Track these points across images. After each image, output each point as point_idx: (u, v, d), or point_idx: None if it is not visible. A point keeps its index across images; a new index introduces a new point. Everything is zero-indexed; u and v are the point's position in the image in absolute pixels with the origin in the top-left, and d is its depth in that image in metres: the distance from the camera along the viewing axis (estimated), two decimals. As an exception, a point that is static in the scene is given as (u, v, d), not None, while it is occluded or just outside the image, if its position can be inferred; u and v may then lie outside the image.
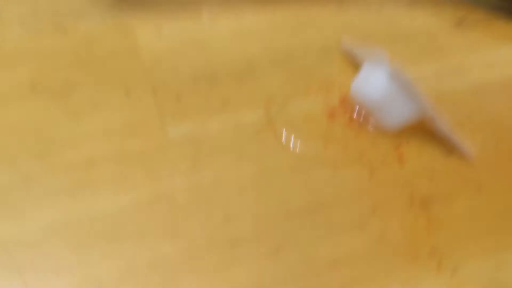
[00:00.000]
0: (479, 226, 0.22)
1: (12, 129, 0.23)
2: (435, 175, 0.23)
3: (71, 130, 0.23)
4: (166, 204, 0.21)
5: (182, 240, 0.20)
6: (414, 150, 0.24)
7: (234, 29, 0.29)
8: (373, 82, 0.22)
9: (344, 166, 0.23)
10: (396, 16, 0.31)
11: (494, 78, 0.28)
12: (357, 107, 0.25)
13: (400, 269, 0.20)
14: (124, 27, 0.28)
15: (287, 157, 0.23)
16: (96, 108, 0.24)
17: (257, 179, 0.22)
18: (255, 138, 0.24)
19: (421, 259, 0.20)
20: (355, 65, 0.27)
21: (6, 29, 0.27)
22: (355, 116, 0.25)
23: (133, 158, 0.22)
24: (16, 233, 0.20)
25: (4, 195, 0.21)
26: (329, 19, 0.30)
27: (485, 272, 0.20)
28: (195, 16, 0.29)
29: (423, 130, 0.24)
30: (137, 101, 0.25)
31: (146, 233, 0.20)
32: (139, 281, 0.19)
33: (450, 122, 0.23)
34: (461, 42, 0.30)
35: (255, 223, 0.21)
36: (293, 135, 0.24)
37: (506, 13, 0.32)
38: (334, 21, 0.30)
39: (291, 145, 0.24)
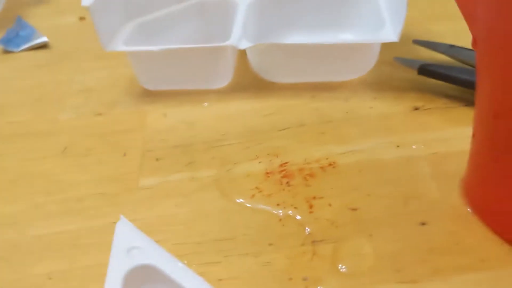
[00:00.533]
0: (357, 263, 0.26)
1: (38, 177, 0.33)
2: (335, 224, 0.28)
3: (78, 178, 0.33)
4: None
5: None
6: (324, 203, 0.29)
7: (220, 113, 0.38)
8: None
9: (262, 211, 0.29)
10: (360, 105, 0.37)
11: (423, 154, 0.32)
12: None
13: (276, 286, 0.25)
14: (141, 112, 0.38)
15: (220, 203, 0.30)
16: (100, 165, 0.34)
17: (192, 217, 0.29)
18: (202, 189, 0.31)
19: (294, 282, 0.25)
20: (302, 141, 0.34)
21: (63, 112, 0.39)
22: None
23: (110, 198, 0.31)
24: (15, 238, 0.29)
25: (16, 215, 0.31)
26: (301, 106, 0.38)
27: (345, 298, 0.24)
28: (197, 104, 0.39)
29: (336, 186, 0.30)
30: (128, 161, 0.34)
31: (90, 245, 0.28)
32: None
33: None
34: (412, 123, 0.35)
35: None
36: (231, 189, 0.31)
37: (463, 103, 0.36)
38: (305, 107, 0.37)
39: (227, 194, 0.31)
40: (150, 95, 0.40)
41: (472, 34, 0.24)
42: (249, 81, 0.40)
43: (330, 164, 0.32)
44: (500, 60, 0.23)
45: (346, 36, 0.43)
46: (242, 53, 0.38)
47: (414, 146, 0.33)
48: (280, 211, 0.29)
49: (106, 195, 0.31)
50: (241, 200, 0.30)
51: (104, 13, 0.37)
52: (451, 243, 0.26)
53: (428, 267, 0.25)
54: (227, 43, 0.37)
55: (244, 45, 0.37)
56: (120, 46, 0.38)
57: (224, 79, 0.40)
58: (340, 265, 0.26)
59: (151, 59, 0.39)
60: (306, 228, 0.28)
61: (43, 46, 0.48)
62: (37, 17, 0.52)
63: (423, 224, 0.27)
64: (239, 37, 0.37)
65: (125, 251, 0.25)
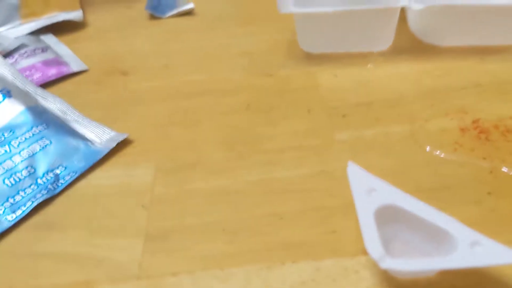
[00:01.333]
0: None
1: (234, 128, 0.35)
2: (549, 175, 0.29)
3: (269, 131, 0.34)
4: (328, 175, 0.30)
5: (338, 198, 0.29)
6: (532, 157, 0.30)
7: (390, 73, 0.38)
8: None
9: (469, 163, 0.30)
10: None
11: None
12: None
13: (507, 231, 0.26)
14: (309, 73, 0.40)
15: (423, 156, 0.31)
16: (286, 120, 0.35)
17: (398, 167, 0.30)
18: (400, 142, 0.32)
19: (526, 227, 0.26)
20: (485, 100, 0.35)
21: (234, 72, 0.40)
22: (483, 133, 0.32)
23: (309, 149, 0.32)
24: (228, 184, 0.31)
25: (226, 163, 0.32)
26: (471, 67, 0.38)
27: None
28: (362, 66, 0.40)
29: (541, 142, 0.30)
30: (315, 117, 0.35)
31: (314, 190, 0.30)
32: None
33: None
34: None
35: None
36: (429, 143, 0.32)
37: None
38: (475, 69, 0.38)
39: (427, 149, 0.32)
40: (313, 58, 0.41)
41: None
42: (409, 44, 0.41)
43: (524, 122, 0.32)
44: None
45: None
46: (402, 17, 0.39)
47: None
48: (488, 164, 0.30)
49: (305, 147, 0.33)
50: (444, 154, 0.31)
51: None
52: None
53: None
54: (400, 3, 0.38)
55: (416, 6, 0.37)
56: (292, 7, 0.39)
57: (386, 42, 0.41)
58: None
59: (318, 21, 0.39)
60: (520, 180, 0.28)
61: (188, 12, 0.49)
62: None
63: None
64: (410, -1, 0.38)
65: (365, 193, 0.26)
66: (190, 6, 0.50)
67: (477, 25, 0.39)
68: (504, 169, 0.29)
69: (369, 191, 0.26)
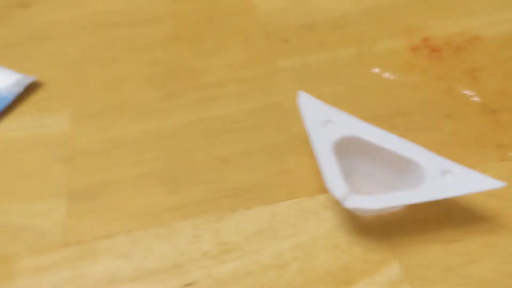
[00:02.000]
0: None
1: (161, 62, 0.30)
2: (504, 92, 0.27)
3: (205, 63, 0.30)
4: (276, 109, 0.27)
5: (288, 133, 0.26)
6: (487, 74, 0.28)
7: (332, -8, 0.35)
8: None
9: (423, 85, 0.28)
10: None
11: None
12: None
13: (470, 156, 0.24)
14: (242, -6, 0.35)
15: (375, 80, 0.28)
16: (222, 48, 0.31)
17: (349, 94, 0.28)
18: (348, 67, 0.29)
19: (488, 149, 0.24)
20: (432, 16, 0.32)
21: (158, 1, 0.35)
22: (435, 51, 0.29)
23: (251, 80, 0.29)
24: (161, 127, 0.27)
25: (156, 104, 0.28)
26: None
27: (549, 160, 0.24)
28: (299, -15, 0.36)
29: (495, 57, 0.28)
30: (253, 43, 0.31)
31: (261, 126, 0.26)
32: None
33: None
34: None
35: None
36: (379, 65, 0.29)
37: None
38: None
39: (378, 72, 0.29)
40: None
41: None
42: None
43: (474, 38, 0.30)
44: None
45: None
46: None
47: (551, 16, 0.31)
48: (444, 85, 0.27)
49: (246, 79, 0.29)
50: (396, 76, 0.28)
51: None
52: None
53: None
54: None
55: None
56: None
57: (323, -43, 0.37)
58: (524, 132, 0.25)
59: None
60: (476, 98, 0.27)
61: None
62: None
63: None
64: None
65: (321, 125, 0.23)
66: None
67: None
68: (461, 89, 0.27)
69: (325, 122, 0.23)
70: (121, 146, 0.26)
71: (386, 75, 0.28)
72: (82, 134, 0.27)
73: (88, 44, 0.32)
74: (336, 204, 0.22)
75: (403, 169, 0.22)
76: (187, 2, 0.34)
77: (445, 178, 0.21)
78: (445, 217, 0.22)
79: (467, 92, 0.27)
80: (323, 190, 0.22)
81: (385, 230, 0.21)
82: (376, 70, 0.29)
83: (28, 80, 0.29)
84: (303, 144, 0.24)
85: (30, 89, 0.29)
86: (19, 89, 0.29)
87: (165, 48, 0.31)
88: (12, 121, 0.28)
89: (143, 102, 0.28)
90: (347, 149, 0.23)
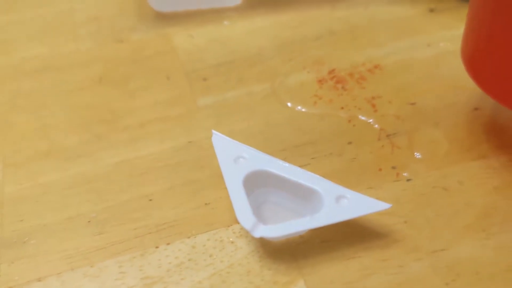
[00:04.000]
0: (433, 149, 0.28)
1: (87, 106, 0.32)
2: (400, 118, 0.30)
3: (129, 105, 0.32)
4: (196, 146, 0.29)
5: (208, 169, 0.28)
6: (384, 101, 0.31)
7: (247, 29, 0.38)
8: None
9: (329, 115, 0.31)
10: (379, 10, 0.39)
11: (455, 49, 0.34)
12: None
13: (368, 178, 0.27)
14: (164, 35, 0.37)
15: (286, 113, 0.31)
16: (146, 90, 0.33)
17: (264, 127, 0.30)
18: (263, 101, 0.32)
19: (384, 171, 0.27)
20: (339, 48, 0.35)
21: (80, 42, 0.37)
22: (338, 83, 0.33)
23: (173, 120, 0.31)
24: (88, 170, 0.28)
25: (82, 147, 0.30)
26: (324, 16, 0.38)
27: (433, 179, 0.27)
28: (218, 23, 0.38)
29: (391, 87, 0.32)
30: (175, 83, 0.33)
31: (182, 163, 0.28)
32: (177, 195, 0.27)
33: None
34: (432, 24, 0.37)
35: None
36: (290, 99, 0.32)
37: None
38: (328, 17, 0.38)
39: (289, 105, 0.32)
40: (166, 18, 0.39)
41: None
42: (263, -3, 0.40)
43: (375, 67, 0.34)
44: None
45: None
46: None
47: (441, 44, 0.35)
48: (346, 114, 0.31)
49: (168, 118, 0.31)
50: (305, 108, 0.31)
51: None
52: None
53: (491, 144, 0.28)
54: (248, -44, 0.37)
55: (265, -43, 0.37)
56: (136, -34, 0.36)
57: (238, -4, 0.40)
58: (416, 153, 0.28)
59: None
60: (375, 125, 0.30)
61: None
62: None
63: (476, 109, 0.30)
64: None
65: (233, 161, 0.25)
66: (20, -32, 0.44)
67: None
68: (361, 117, 0.30)
69: (236, 159, 0.25)
70: (50, 191, 0.27)
71: (297, 107, 0.31)
72: (12, 182, 0.28)
73: (14, 92, 0.33)
74: (249, 233, 0.25)
75: (307, 197, 0.25)
76: (112, 45, 0.36)
77: (340, 203, 0.23)
78: (344, 236, 0.24)
79: (367, 119, 0.30)
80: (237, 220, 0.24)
81: (293, 253, 0.24)
82: (288, 103, 0.32)
83: (-44, 132, 0.30)
84: (221, 178, 0.26)
85: (-41, 140, 0.30)
86: None
87: (91, 92, 0.33)
88: None
89: (70, 146, 0.30)
90: (258, 182, 0.25)
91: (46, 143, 0.30)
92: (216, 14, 0.39)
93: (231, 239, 0.25)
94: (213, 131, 0.27)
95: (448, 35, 0.36)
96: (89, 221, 0.26)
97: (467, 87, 0.31)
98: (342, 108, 0.31)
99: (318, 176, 0.25)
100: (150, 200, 0.27)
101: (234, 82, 0.33)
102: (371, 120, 0.30)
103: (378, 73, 0.33)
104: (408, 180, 0.27)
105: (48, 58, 0.35)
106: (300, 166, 0.27)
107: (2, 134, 0.30)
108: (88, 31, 0.38)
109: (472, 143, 0.29)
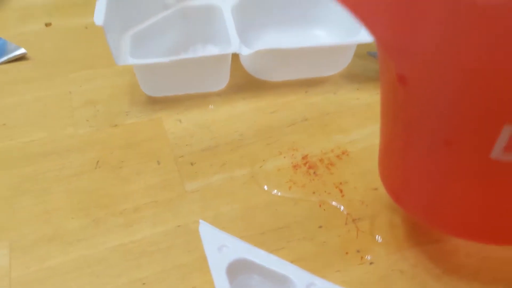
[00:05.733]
0: (392, 233, 0.33)
1: (86, 191, 0.36)
2: (364, 203, 0.35)
3: (124, 189, 0.36)
4: (184, 230, 0.33)
5: (195, 252, 0.32)
6: (351, 186, 0.36)
7: (230, 113, 0.42)
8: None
9: (302, 200, 0.35)
10: (347, 96, 0.43)
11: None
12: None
13: (336, 262, 0.31)
14: (155, 119, 0.41)
15: (264, 197, 0.35)
16: (139, 174, 0.37)
17: (244, 212, 0.34)
18: (243, 186, 0.36)
19: (350, 255, 0.31)
20: (311, 134, 0.40)
21: (78, 126, 0.41)
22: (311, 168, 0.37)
23: (163, 204, 0.35)
24: (88, 254, 0.32)
25: (83, 232, 0.33)
26: (298, 101, 0.43)
27: (393, 261, 0.31)
28: (204, 107, 0.43)
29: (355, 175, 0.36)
30: (165, 168, 0.37)
31: (172, 247, 0.32)
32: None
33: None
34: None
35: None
36: (268, 183, 0.36)
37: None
38: (302, 102, 0.43)
39: (267, 189, 0.36)
40: (157, 102, 0.43)
41: (398, 71, 0.22)
42: (244, 81, 0.45)
43: (343, 153, 0.38)
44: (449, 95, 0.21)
45: (319, 32, 0.49)
46: (235, 56, 0.42)
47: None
48: (317, 198, 0.35)
49: (159, 202, 0.35)
50: (281, 193, 0.35)
51: (110, 30, 0.39)
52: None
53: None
54: (230, 50, 0.41)
55: (245, 51, 0.41)
56: (130, 59, 0.40)
57: (223, 82, 0.44)
58: (377, 236, 0.32)
59: (157, 69, 0.41)
60: (343, 210, 0.34)
61: (21, 58, 0.48)
62: None
63: (430, 194, 0.35)
64: (238, 44, 0.42)
65: (217, 250, 0.29)
66: (21, 51, 0.48)
67: (298, 62, 0.44)
68: (330, 202, 0.35)
69: (220, 247, 0.29)
70: (54, 275, 0.31)
71: (274, 192, 0.35)
72: (20, 267, 0.31)
73: (19, 177, 0.37)
74: (233, 314, 0.28)
75: (282, 283, 0.28)
76: (107, 130, 0.40)
77: (310, 290, 0.27)
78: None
79: (336, 204, 0.34)
80: (222, 303, 0.28)
81: (270, 333, 0.28)
82: (265, 187, 0.36)
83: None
84: (207, 262, 0.30)
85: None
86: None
87: (89, 177, 0.37)
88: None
89: (72, 231, 0.33)
90: (240, 269, 0.29)
91: (50, 227, 0.33)
92: (202, 98, 0.43)
93: (216, 321, 0.28)
94: (200, 220, 0.30)
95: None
96: (89, 304, 0.29)
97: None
98: (314, 193, 0.35)
99: (291, 264, 0.28)
100: (144, 284, 0.30)
101: (218, 167, 0.37)
102: (339, 205, 0.34)
103: (345, 159, 0.38)
104: (370, 263, 0.31)
105: (49, 143, 0.39)
106: (277, 250, 0.31)
107: (8, 219, 0.34)
108: (85, 115, 0.42)
109: (427, 227, 0.33)
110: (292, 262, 0.30)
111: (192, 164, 0.37)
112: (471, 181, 0.26)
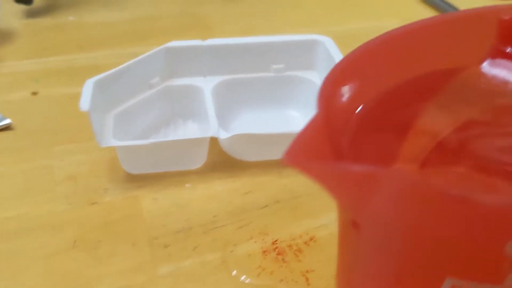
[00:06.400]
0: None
1: (62, 272, 0.37)
2: (329, 292, 0.36)
3: (97, 272, 0.37)
4: (154, 317, 0.34)
5: None
6: (317, 275, 0.37)
7: (206, 193, 0.44)
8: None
9: (269, 285, 0.36)
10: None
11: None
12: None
13: None
14: (132, 198, 0.43)
15: (232, 284, 0.37)
16: (113, 257, 0.38)
17: (213, 299, 0.36)
18: (213, 271, 0.37)
19: None
20: (282, 217, 0.42)
21: (58, 202, 0.42)
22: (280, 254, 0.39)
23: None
24: None
25: (56, 315, 0.34)
26: (272, 182, 0.45)
27: None
28: (181, 186, 0.44)
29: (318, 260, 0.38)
30: (139, 250, 0.39)
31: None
32: None
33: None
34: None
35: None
36: (238, 268, 0.38)
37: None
38: (275, 184, 0.45)
39: (236, 275, 0.37)
40: (135, 180, 0.45)
41: (352, 216, 0.24)
42: (221, 160, 0.47)
43: (311, 239, 0.40)
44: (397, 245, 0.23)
45: (293, 113, 0.52)
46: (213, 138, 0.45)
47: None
48: (284, 286, 0.36)
49: (132, 287, 0.36)
50: (249, 279, 0.37)
51: (94, 112, 0.41)
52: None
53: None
54: (208, 134, 0.44)
55: (223, 135, 0.44)
56: (112, 141, 0.42)
57: (200, 161, 0.46)
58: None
59: (138, 149, 0.43)
60: (308, 299, 0.36)
61: (5, 128, 0.49)
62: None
63: (391, 285, 0.37)
64: (217, 127, 0.44)
65: None
66: (7, 121, 0.50)
67: (273, 145, 0.46)
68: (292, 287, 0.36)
69: None
70: None
71: (242, 278, 0.37)
72: None
73: (-3, 255, 0.38)
74: None
75: None
76: (85, 208, 0.42)
77: None
78: None
79: (301, 292, 0.36)
80: None
81: None
82: (235, 273, 0.37)
83: None
84: None
85: None
86: None
87: (65, 257, 0.38)
88: None
89: (44, 315, 0.34)
90: None
91: (22, 311, 0.34)
92: (179, 176, 0.45)
93: None
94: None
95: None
96: None
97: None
98: (281, 280, 0.37)
99: None
100: None
101: (190, 250, 0.39)
102: (304, 294, 0.36)
103: (313, 245, 0.40)
104: None
105: (28, 220, 0.40)
106: None
107: (-17, 301, 0.35)
108: (64, 191, 0.43)
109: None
110: None
111: (165, 246, 0.39)
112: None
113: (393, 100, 0.31)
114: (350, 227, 0.25)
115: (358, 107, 0.29)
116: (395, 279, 0.26)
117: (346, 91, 0.28)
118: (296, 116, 0.52)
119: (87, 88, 0.42)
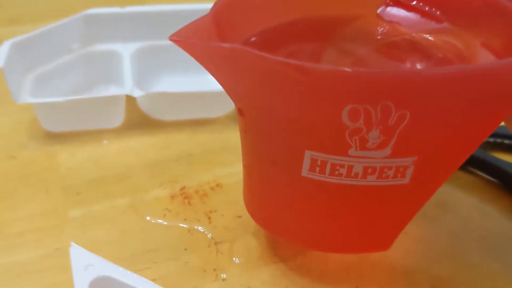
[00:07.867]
0: (248, 255, 0.38)
1: (-25, 217, 0.39)
2: (228, 228, 0.40)
3: (10, 216, 0.39)
4: (61, 253, 0.37)
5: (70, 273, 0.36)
6: (218, 214, 0.41)
7: (122, 148, 0.47)
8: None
9: (174, 227, 0.39)
10: (231, 136, 0.49)
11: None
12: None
13: (194, 279, 0.36)
14: (50, 153, 0.45)
15: (140, 224, 0.40)
16: (26, 203, 0.40)
17: (120, 237, 0.38)
18: (123, 214, 0.40)
19: (207, 273, 0.36)
20: (193, 169, 0.45)
21: (-24, 159, 0.44)
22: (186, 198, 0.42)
23: (47, 230, 0.38)
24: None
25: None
26: (186, 140, 0.48)
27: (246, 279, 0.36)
28: (98, 143, 0.47)
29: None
30: (52, 197, 0.41)
31: (50, 268, 0.36)
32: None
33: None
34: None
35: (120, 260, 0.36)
36: (146, 212, 0.41)
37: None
38: (190, 141, 0.48)
39: (145, 217, 0.40)
40: (55, 137, 0.47)
41: (237, 104, 0.29)
42: (139, 120, 0.50)
43: (217, 185, 0.43)
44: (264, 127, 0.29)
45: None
46: (133, 98, 0.47)
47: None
48: (188, 225, 0.40)
49: (43, 228, 0.38)
50: (156, 219, 0.40)
51: (11, 71, 0.44)
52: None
53: (294, 248, 0.38)
54: (123, 92, 0.46)
55: (137, 93, 0.46)
56: (28, 98, 0.45)
57: (118, 120, 0.49)
58: (235, 258, 0.37)
59: (55, 107, 0.46)
60: (209, 234, 0.39)
61: None
62: None
63: (286, 221, 0.40)
64: (131, 87, 0.47)
65: (83, 268, 0.33)
66: None
67: (188, 105, 0.49)
68: (198, 228, 0.39)
69: (86, 266, 0.33)
70: None
71: (148, 218, 0.40)
72: None
73: None
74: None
75: (139, 296, 0.33)
76: (4, 160, 0.44)
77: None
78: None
79: (203, 230, 0.39)
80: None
81: None
82: (143, 216, 0.40)
83: None
84: (76, 281, 0.34)
85: None
86: None
87: (-20, 204, 0.40)
88: None
89: (-45, 253, 0.36)
90: (102, 286, 0.33)
91: None
92: (98, 134, 0.48)
93: (78, 331, 0.32)
94: (72, 243, 0.34)
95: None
96: (-37, 319, 0.32)
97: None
98: (185, 219, 0.40)
99: (150, 282, 0.33)
100: (17, 300, 0.34)
101: (102, 196, 0.41)
102: (205, 231, 0.39)
103: (218, 190, 0.43)
104: (223, 280, 0.36)
105: None
106: (143, 269, 0.36)
107: None
108: (-16, 148, 0.45)
109: (282, 247, 0.38)
110: (155, 280, 0.35)
111: (78, 193, 0.42)
112: (294, 195, 0.32)
113: (282, 36, 0.35)
114: (240, 117, 0.29)
115: (247, 36, 0.33)
116: (270, 161, 0.30)
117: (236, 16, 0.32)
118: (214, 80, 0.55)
119: (4, 48, 0.44)
